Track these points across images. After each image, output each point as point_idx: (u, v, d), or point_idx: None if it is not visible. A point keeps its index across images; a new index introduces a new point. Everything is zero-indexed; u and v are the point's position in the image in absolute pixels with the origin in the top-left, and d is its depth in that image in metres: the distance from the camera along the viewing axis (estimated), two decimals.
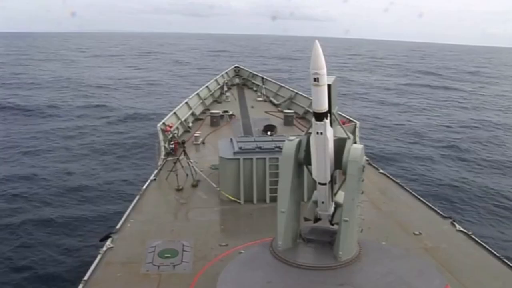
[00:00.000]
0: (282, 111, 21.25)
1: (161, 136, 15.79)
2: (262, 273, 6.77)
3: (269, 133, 17.14)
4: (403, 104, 46.06)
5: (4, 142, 27.92)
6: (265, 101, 24.39)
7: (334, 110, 7.11)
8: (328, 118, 6.79)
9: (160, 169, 14.08)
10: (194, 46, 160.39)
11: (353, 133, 15.41)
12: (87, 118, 35.19)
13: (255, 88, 26.85)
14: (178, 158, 13.40)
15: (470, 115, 40.39)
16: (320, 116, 6.72)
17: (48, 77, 59.84)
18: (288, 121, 19.83)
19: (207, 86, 24.29)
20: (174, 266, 8.65)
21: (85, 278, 8.10)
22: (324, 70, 6.35)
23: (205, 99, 22.98)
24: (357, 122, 16.03)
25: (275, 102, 23.48)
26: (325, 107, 6.67)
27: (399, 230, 10.26)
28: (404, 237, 9.86)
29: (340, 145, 7.19)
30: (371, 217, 10.46)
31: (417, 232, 9.97)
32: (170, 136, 16.07)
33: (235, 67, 29.73)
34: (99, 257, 8.90)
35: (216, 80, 25.84)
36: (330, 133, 6.94)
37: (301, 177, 7.95)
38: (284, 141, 11.87)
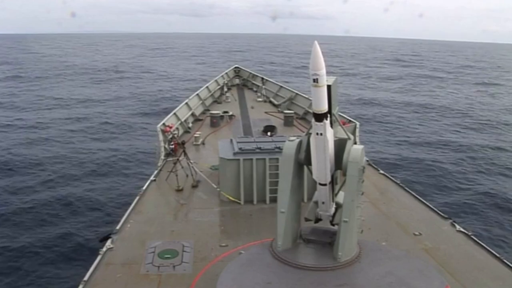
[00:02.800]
0: (282, 112, 21.22)
1: (161, 137, 15.74)
2: (261, 274, 6.76)
3: (269, 133, 17.13)
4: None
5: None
6: (265, 101, 24.37)
7: (334, 111, 7.10)
8: (328, 119, 6.77)
9: (160, 170, 14.07)
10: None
11: (353, 133, 15.40)
12: None
13: (255, 89, 26.85)
14: (178, 159, 13.39)
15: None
16: (320, 117, 6.70)
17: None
18: (288, 121, 19.81)
19: (207, 87, 24.30)
20: (174, 266, 8.63)
21: (85, 278, 8.10)
22: (323, 71, 6.32)
23: (205, 99, 22.96)
24: (357, 122, 16.01)
25: (275, 102, 23.46)
26: (324, 108, 6.65)
27: (399, 230, 10.25)
28: (404, 238, 9.86)
29: (340, 145, 7.17)
30: (371, 218, 10.47)
31: (417, 233, 9.96)
32: (170, 136, 16.03)
33: (235, 67, 29.76)
34: (99, 257, 8.89)
35: (216, 80, 25.84)
36: (330, 134, 6.93)
37: (301, 177, 7.94)
38: (284, 141, 11.93)
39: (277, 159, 11.34)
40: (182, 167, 13.24)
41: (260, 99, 24.73)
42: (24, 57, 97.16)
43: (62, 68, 73.23)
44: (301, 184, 8.44)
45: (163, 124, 16.56)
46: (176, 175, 12.80)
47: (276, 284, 6.53)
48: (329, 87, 6.63)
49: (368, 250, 7.32)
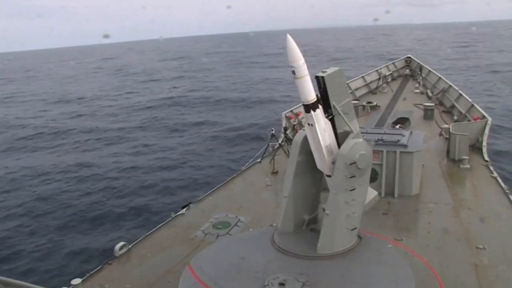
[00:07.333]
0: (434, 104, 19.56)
1: (284, 123, 16.59)
2: (243, 250, 7.15)
3: (397, 126, 16.26)
4: None
5: None
6: (422, 93, 22.76)
7: (333, 102, 6.97)
8: (317, 110, 6.75)
9: (268, 154, 15.04)
10: None
11: (482, 131, 13.54)
12: None
13: (419, 80, 25.26)
14: (280, 144, 14.17)
15: None
16: (307, 108, 6.76)
17: None
18: (427, 114, 18.25)
19: (363, 77, 24.12)
20: (217, 236, 9.62)
21: (146, 234, 9.87)
22: (299, 62, 6.36)
23: (355, 89, 22.85)
24: (490, 118, 13.84)
25: (429, 94, 21.71)
26: (310, 99, 6.64)
27: (463, 239, 8.93)
28: (459, 248, 8.60)
29: (345, 138, 7.03)
30: (442, 221, 9.59)
31: (481, 246, 8.53)
32: (296, 123, 16.74)
33: (407, 57, 28.51)
34: (168, 220, 10.52)
35: (377, 70, 25.32)
36: (321, 124, 6.86)
37: (310, 166, 7.90)
38: (403, 135, 11.53)
39: (395, 152, 11.26)
40: (285, 152, 13.97)
41: (417, 91, 23.20)
42: None
43: None
44: (311, 173, 8.14)
45: (291, 111, 17.37)
46: (273, 158, 13.62)
47: (248, 259, 6.87)
48: (322, 78, 6.64)
49: (364, 248, 6.94)
